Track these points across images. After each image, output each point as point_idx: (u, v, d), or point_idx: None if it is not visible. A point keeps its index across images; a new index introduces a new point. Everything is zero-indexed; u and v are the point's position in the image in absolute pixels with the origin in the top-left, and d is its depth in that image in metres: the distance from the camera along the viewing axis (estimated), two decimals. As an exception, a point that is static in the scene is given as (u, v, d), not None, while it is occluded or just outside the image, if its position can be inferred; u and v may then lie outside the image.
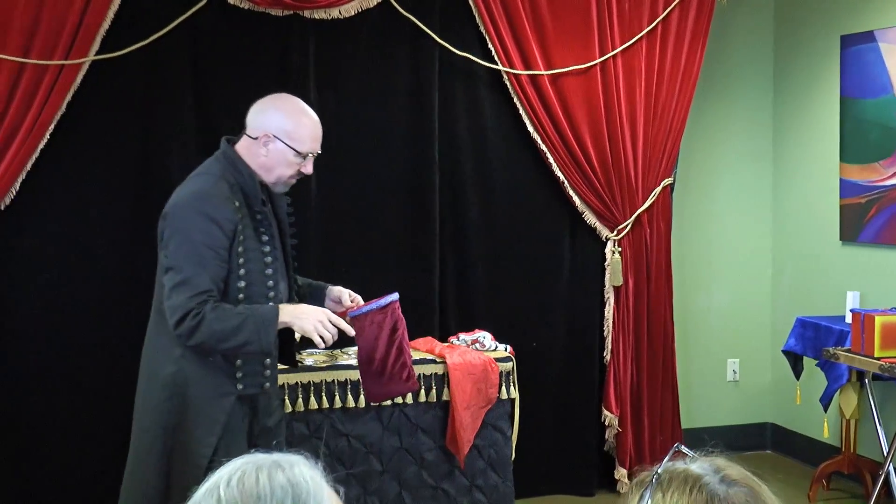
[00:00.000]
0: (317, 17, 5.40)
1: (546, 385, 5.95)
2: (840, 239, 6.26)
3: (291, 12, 5.35)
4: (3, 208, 5.04)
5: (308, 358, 5.07)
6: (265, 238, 3.48)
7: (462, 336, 5.42)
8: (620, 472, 6.03)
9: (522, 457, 5.46)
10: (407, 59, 5.67)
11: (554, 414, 5.98)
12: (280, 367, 3.72)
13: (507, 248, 5.92)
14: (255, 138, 3.47)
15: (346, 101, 5.57)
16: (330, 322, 3.39)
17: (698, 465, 1.59)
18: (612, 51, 5.85)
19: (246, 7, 5.29)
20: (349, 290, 3.74)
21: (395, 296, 3.60)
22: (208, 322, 3.28)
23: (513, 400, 5.26)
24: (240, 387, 3.47)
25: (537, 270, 5.98)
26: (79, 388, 5.27)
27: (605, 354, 6.06)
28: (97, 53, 5.09)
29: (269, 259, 3.47)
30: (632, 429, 6.06)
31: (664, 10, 5.96)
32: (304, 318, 3.37)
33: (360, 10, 5.46)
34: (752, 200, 6.80)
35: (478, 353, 5.23)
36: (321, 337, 3.36)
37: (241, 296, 3.40)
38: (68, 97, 5.05)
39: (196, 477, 3.23)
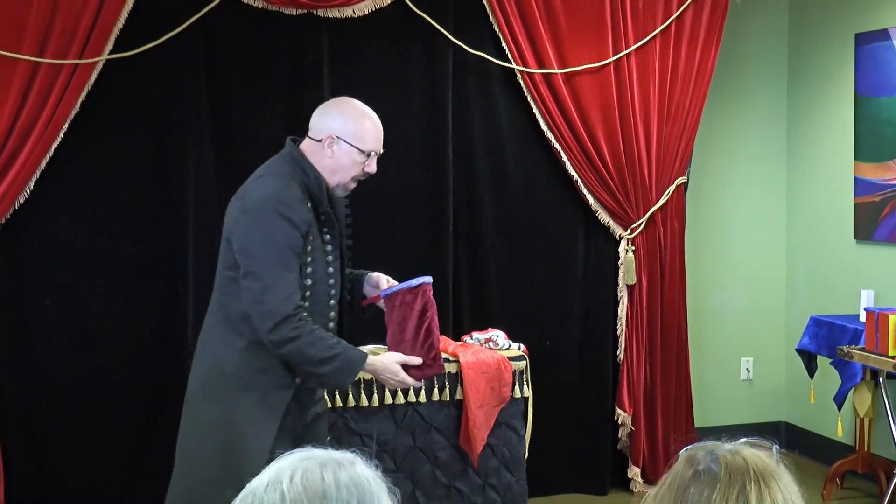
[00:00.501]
0: (330, 15, 5.41)
1: (559, 384, 5.95)
2: (854, 237, 6.24)
3: (305, 11, 5.36)
4: (17, 207, 5.06)
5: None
6: (328, 238, 3.55)
7: (475, 335, 5.41)
8: (633, 471, 6.03)
9: (536, 455, 5.46)
10: (420, 57, 5.67)
11: (567, 413, 5.97)
12: None
13: (521, 246, 5.92)
14: (320, 140, 3.53)
15: (360, 100, 5.55)
16: (401, 381, 3.62)
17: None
18: (626, 49, 5.85)
19: (260, 6, 5.30)
20: (387, 276, 3.80)
21: (428, 278, 3.66)
22: (303, 342, 3.36)
23: (526, 399, 5.26)
24: (298, 379, 3.54)
25: (551, 269, 5.98)
26: (94, 385, 5.29)
27: (618, 353, 6.05)
28: (111, 53, 5.10)
29: (330, 258, 3.56)
30: (645, 428, 6.06)
31: (678, 9, 5.95)
32: (386, 380, 3.62)
33: (373, 9, 5.46)
34: (766, 199, 6.79)
35: (491, 351, 5.23)
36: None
37: (307, 293, 3.47)
38: (82, 96, 5.07)
39: (256, 466, 3.32)
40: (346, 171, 3.54)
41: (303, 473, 1.48)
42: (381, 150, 3.62)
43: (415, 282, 3.61)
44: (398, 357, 3.59)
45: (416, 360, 3.58)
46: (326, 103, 3.66)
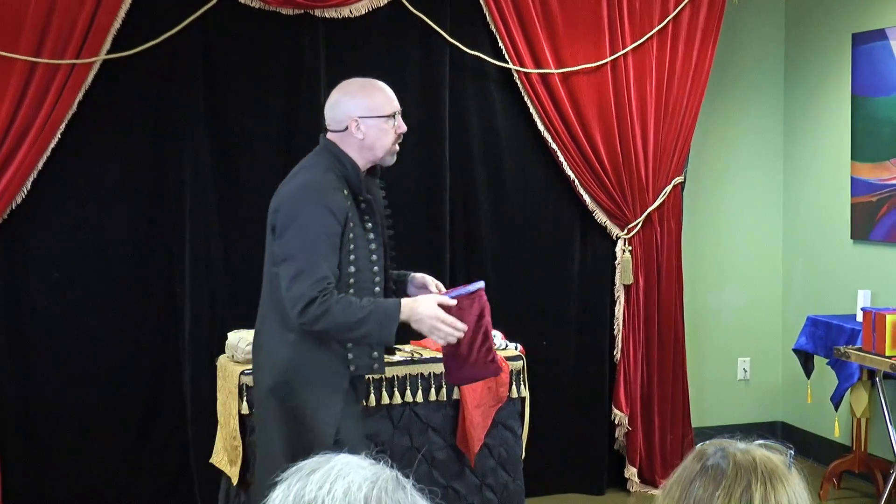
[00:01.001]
0: (327, 15, 5.41)
1: (556, 384, 5.95)
2: (851, 237, 6.24)
3: (302, 11, 5.36)
4: (14, 207, 5.06)
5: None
6: (369, 226, 3.60)
7: (472, 335, 5.41)
8: (630, 471, 6.03)
9: (533, 455, 5.46)
10: (417, 57, 5.67)
11: (564, 413, 5.97)
12: None
13: (518, 246, 5.93)
14: (345, 129, 3.59)
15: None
16: (443, 322, 3.50)
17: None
18: (623, 49, 5.85)
19: (257, 6, 5.30)
20: (431, 277, 3.83)
21: (482, 283, 3.68)
22: (334, 313, 3.39)
23: (523, 399, 5.26)
24: (352, 367, 3.61)
25: (548, 269, 5.98)
26: (91, 385, 5.29)
27: (615, 353, 6.05)
28: (108, 52, 5.11)
29: (373, 246, 3.61)
30: (642, 427, 6.06)
31: (675, 9, 5.95)
32: (420, 322, 3.50)
33: (370, 9, 5.46)
34: (763, 199, 6.79)
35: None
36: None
37: (351, 280, 3.52)
38: (79, 96, 5.07)
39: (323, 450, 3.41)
40: (383, 141, 3.61)
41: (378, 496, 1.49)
42: (400, 108, 3.67)
43: (472, 287, 3.64)
44: (435, 298, 3.56)
45: (452, 302, 3.56)
46: (332, 96, 3.68)
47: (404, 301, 3.51)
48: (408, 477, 1.56)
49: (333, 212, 3.46)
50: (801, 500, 1.63)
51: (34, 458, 5.22)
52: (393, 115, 3.62)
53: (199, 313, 5.35)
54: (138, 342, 5.37)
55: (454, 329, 3.50)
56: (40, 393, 5.22)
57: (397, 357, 5.05)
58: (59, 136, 5.05)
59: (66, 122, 5.06)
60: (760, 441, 1.70)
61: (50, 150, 5.05)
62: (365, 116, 3.58)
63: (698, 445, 1.73)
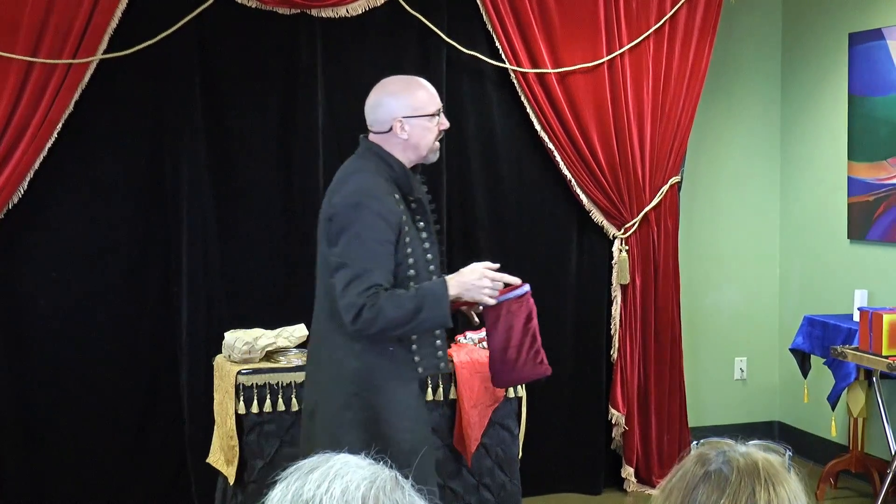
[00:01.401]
0: (324, 15, 5.40)
1: (553, 383, 5.92)
2: (848, 237, 6.25)
3: (299, 11, 5.36)
4: (11, 206, 5.05)
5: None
6: (421, 225, 3.59)
7: (469, 334, 5.41)
8: (627, 471, 6.03)
9: (530, 455, 5.47)
10: (414, 57, 5.67)
11: (561, 412, 5.98)
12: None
13: (514, 246, 5.92)
14: (389, 130, 3.55)
15: (354, 100, 5.46)
16: (491, 280, 3.54)
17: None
18: (620, 49, 5.85)
19: (253, 6, 5.30)
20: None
21: (528, 286, 3.70)
22: (386, 311, 3.36)
23: (520, 398, 5.26)
24: (420, 370, 3.59)
25: (544, 269, 5.97)
26: (89, 385, 5.29)
27: (612, 353, 6.05)
28: (105, 52, 5.10)
29: (427, 245, 3.59)
30: (639, 427, 6.06)
31: (672, 9, 5.95)
32: (472, 288, 3.51)
33: (367, 9, 5.46)
34: (760, 198, 6.79)
35: (485, 351, 5.23)
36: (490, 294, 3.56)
37: (411, 284, 3.49)
38: (76, 96, 5.07)
39: (400, 463, 3.37)
40: (427, 139, 3.58)
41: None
42: (441, 103, 3.65)
43: (520, 291, 3.66)
44: (476, 264, 3.57)
45: (495, 266, 3.59)
46: (372, 96, 3.63)
47: (447, 277, 3.51)
48: (407, 478, 1.56)
49: (387, 218, 3.43)
50: (800, 501, 1.63)
51: (31, 457, 5.21)
52: (437, 113, 3.60)
53: (195, 313, 5.35)
54: (135, 342, 5.37)
55: (498, 283, 3.56)
56: (37, 392, 5.22)
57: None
58: (56, 135, 5.05)
59: (63, 121, 5.05)
60: (757, 441, 1.70)
61: (47, 149, 5.05)
62: (410, 116, 3.54)
63: (697, 447, 1.72)
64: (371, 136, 3.59)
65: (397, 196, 3.50)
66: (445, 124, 3.64)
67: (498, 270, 3.62)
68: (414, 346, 3.56)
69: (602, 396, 6.04)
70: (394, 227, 3.44)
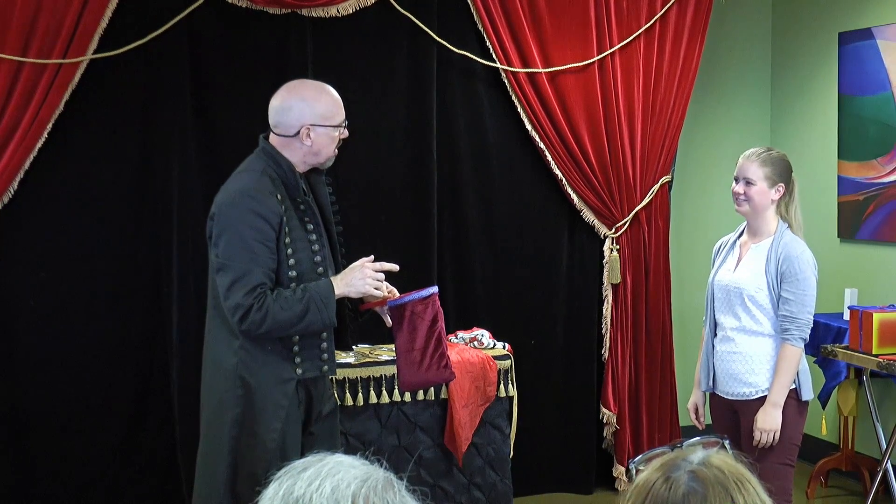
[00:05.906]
0: (315, 15, 5.40)
1: (544, 383, 5.95)
2: (838, 236, 6.26)
3: (289, 10, 5.35)
4: (1, 206, 5.04)
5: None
6: (310, 227, 3.61)
7: (460, 334, 5.42)
8: (619, 470, 6.04)
9: (521, 455, 5.47)
10: (405, 57, 5.67)
11: (552, 412, 5.98)
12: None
13: (505, 246, 5.93)
14: (295, 135, 3.59)
15: (344, 99, 5.51)
16: (373, 271, 3.59)
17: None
18: (610, 48, 5.86)
19: (244, 5, 5.29)
20: (386, 283, 3.80)
21: (435, 288, 3.73)
22: (273, 313, 3.43)
23: (511, 398, 5.26)
24: (299, 371, 3.60)
25: (535, 268, 5.99)
26: (78, 385, 5.28)
27: (603, 352, 6.06)
28: (95, 52, 5.09)
29: (316, 247, 3.61)
30: (630, 426, 6.07)
31: (662, 8, 5.96)
32: (355, 283, 3.58)
33: (357, 9, 5.45)
34: (751, 198, 6.79)
35: (476, 350, 5.24)
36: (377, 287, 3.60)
37: (292, 285, 3.52)
38: (66, 96, 5.05)
39: (265, 462, 3.43)
40: (329, 149, 3.65)
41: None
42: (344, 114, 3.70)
43: (425, 292, 3.68)
44: (358, 261, 3.62)
45: (371, 257, 3.63)
46: (280, 96, 3.66)
47: (334, 278, 3.57)
48: (401, 479, 1.57)
49: (266, 217, 3.47)
50: (760, 488, 1.63)
51: (21, 457, 5.20)
52: (342, 125, 3.66)
53: (186, 312, 5.34)
54: (126, 342, 5.36)
55: (380, 275, 3.60)
56: (27, 392, 5.20)
57: (384, 357, 5.05)
58: (45, 135, 5.03)
59: (52, 121, 5.03)
60: (695, 440, 1.69)
61: (37, 149, 5.03)
62: (317, 125, 3.60)
63: (650, 467, 1.67)
64: (272, 138, 3.64)
65: (280, 196, 3.54)
66: (346, 135, 3.69)
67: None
68: (296, 348, 3.59)
69: (593, 396, 6.05)
70: (274, 227, 3.48)
